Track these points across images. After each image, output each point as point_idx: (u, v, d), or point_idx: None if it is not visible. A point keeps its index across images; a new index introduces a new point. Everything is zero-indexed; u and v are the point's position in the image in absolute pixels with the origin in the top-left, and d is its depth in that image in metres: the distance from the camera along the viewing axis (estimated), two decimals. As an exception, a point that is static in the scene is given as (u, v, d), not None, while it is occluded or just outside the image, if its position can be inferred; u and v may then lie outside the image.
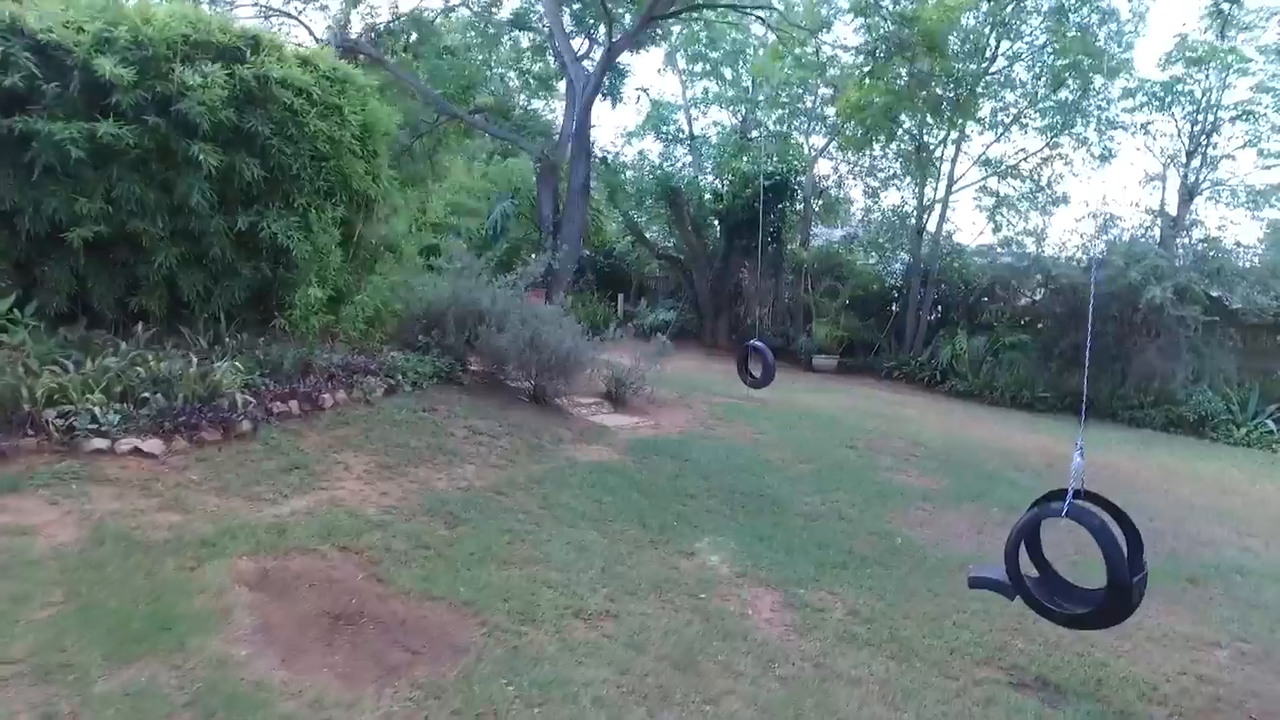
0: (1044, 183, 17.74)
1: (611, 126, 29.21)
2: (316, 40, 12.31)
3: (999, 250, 16.23)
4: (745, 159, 18.72)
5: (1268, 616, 5.15)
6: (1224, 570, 6.02)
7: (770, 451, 8.21)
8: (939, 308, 18.29)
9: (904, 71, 11.40)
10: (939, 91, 11.06)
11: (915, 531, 6.14)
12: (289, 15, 12.08)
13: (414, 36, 15.05)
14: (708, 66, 22.99)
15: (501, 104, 15.36)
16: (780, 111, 21.85)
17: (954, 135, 16.77)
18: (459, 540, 4.92)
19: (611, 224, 22.11)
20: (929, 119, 16.51)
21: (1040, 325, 16.34)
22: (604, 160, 16.90)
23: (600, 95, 15.66)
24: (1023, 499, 7.56)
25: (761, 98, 21.51)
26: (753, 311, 20.27)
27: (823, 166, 21.60)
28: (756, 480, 7.05)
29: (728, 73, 22.99)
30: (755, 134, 22.74)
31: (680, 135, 23.02)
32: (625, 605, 4.25)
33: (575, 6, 14.14)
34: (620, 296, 24.55)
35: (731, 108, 23.19)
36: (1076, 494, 3.89)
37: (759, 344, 11.26)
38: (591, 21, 12.00)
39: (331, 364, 7.40)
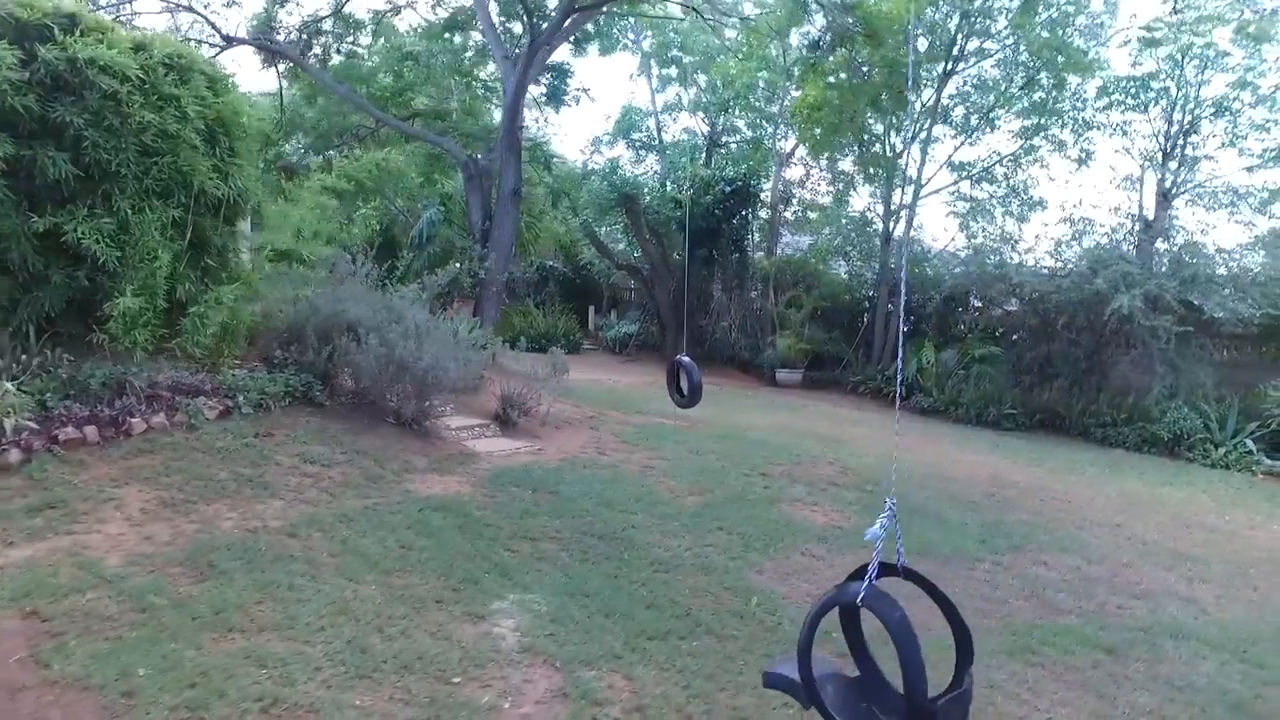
0: (1018, 187, 16.79)
1: (583, 135, 28.76)
2: (225, 38, 11.56)
3: (965, 257, 15.25)
4: (701, 163, 17.89)
5: (1192, 706, 4.17)
6: (1155, 634, 5.05)
7: (661, 482, 7.31)
8: (910, 319, 17.33)
9: (843, 63, 10.48)
10: (876, 81, 10.13)
11: (785, 585, 5.21)
12: (191, 10, 11.34)
13: (351, 38, 14.32)
14: (678, 72, 22.31)
15: (438, 107, 14.58)
16: (752, 116, 21.10)
17: (919, 136, 15.87)
18: (194, 600, 4.06)
19: (575, 233, 21.27)
20: (893, 119, 15.64)
21: (1015, 337, 15.40)
22: (547, 164, 16.05)
23: (541, 99, 14.91)
24: (942, 538, 6.67)
25: (730, 102, 20.68)
26: (716, 323, 19.39)
27: (796, 172, 20.77)
28: (622, 518, 6.14)
29: (701, 79, 22.21)
30: (726, 140, 22.01)
31: (651, 142, 22.30)
32: (341, 695, 3.37)
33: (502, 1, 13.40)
34: (591, 309, 23.75)
35: (702, 113, 22.43)
36: (886, 570, 2.96)
37: (685, 359, 10.40)
38: (529, 18, 11.25)
39: (155, 384, 6.58)
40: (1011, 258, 15.35)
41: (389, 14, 15.19)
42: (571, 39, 14.12)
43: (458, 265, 12.67)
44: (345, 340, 7.29)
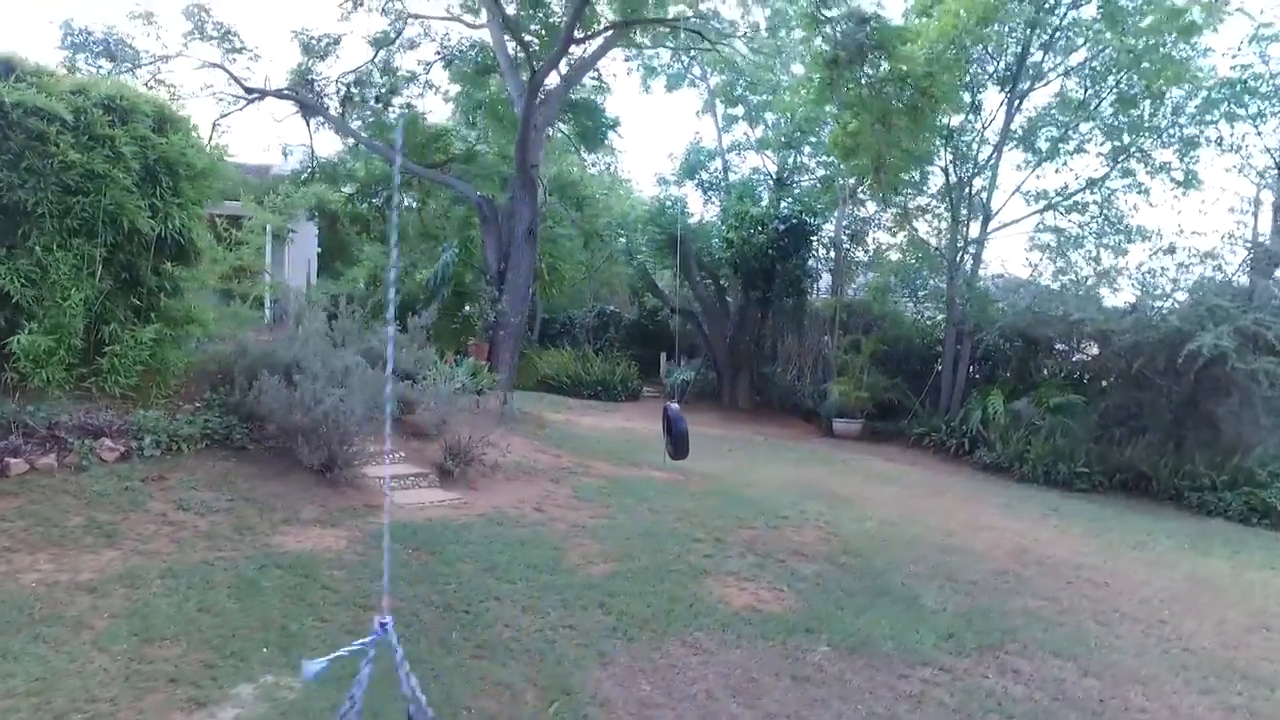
0: (1111, 216, 14.82)
1: (648, 175, 28.36)
2: (248, 91, 12.02)
3: (1024, 293, 13.44)
4: (750, 201, 16.98)
5: None
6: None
7: (579, 546, 6.42)
8: (985, 363, 15.54)
9: (863, 81, 9.42)
10: (895, 104, 9.01)
11: (621, 689, 4.20)
12: (219, 66, 11.87)
13: (387, 89, 14.64)
14: (745, 110, 21.64)
15: (470, 152, 14.58)
16: (821, 152, 20.04)
17: (988, 162, 14.34)
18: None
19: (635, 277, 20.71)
20: (955, 146, 14.23)
21: (1105, 384, 13.39)
22: (578, 204, 15.67)
23: (561, 135, 14.60)
24: (893, 629, 5.35)
25: (795, 138, 19.73)
26: (776, 369, 18.20)
27: (870, 208, 19.44)
28: (492, 587, 5.32)
29: (770, 116, 21.43)
30: (795, 179, 21.01)
31: (718, 182, 21.67)
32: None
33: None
34: (663, 355, 23.05)
35: (770, 151, 21.58)
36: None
37: (673, 407, 9.58)
38: (525, 51, 10.99)
39: (55, 423, 6.44)
40: (1103, 294, 13.46)
41: (435, 62, 15.42)
42: (593, 75, 13.76)
43: (466, 308, 12.41)
44: (262, 382, 6.92)
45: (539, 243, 15.15)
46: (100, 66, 11.02)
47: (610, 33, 12.16)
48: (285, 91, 12.55)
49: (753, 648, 4.80)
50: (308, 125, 13.68)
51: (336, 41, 13.75)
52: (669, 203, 18.17)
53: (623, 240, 18.71)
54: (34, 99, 6.53)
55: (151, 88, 11.85)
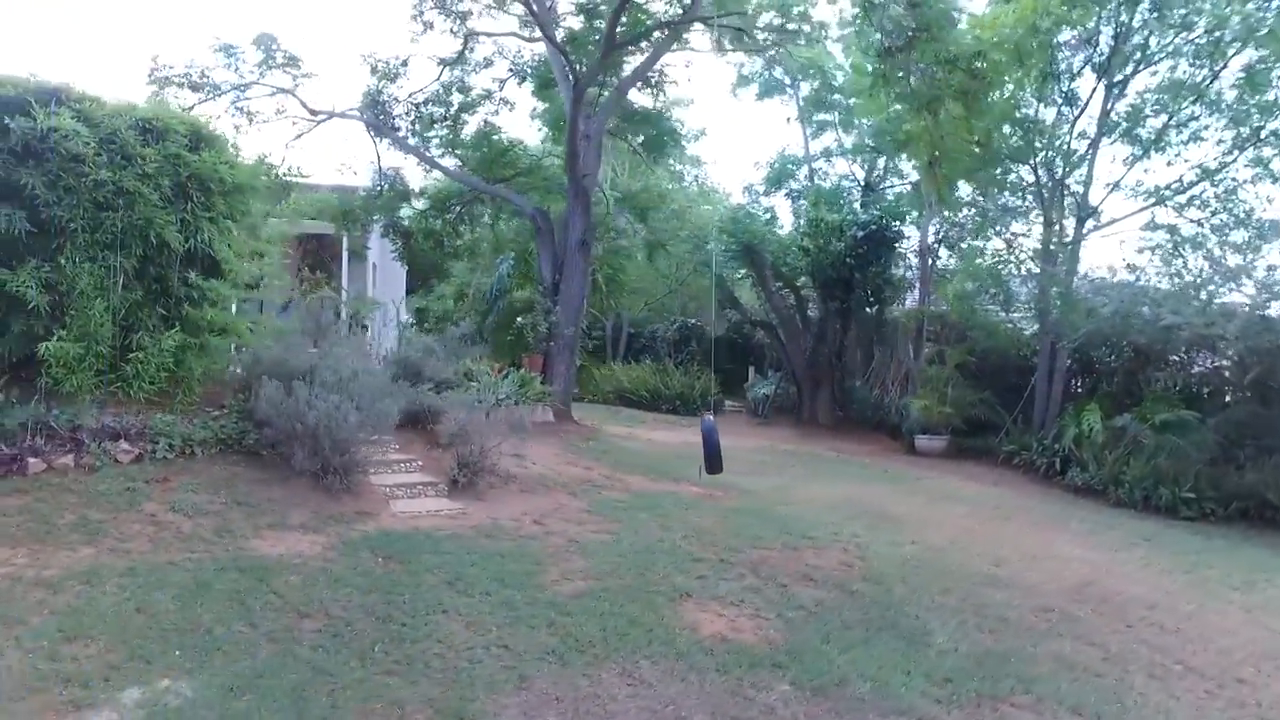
0: (1237, 210, 13.07)
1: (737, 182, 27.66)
2: (312, 114, 12.60)
3: (1113, 296, 11.95)
4: (830, 208, 16.18)
5: None
6: None
7: (564, 562, 6.07)
8: (1087, 376, 14.05)
9: (913, 69, 8.68)
10: (944, 89, 8.19)
11: None
12: (287, 92, 12.49)
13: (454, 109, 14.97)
14: (840, 115, 20.83)
15: (534, 164, 14.65)
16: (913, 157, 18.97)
17: (1084, 157, 12.99)
18: None
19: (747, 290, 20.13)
20: (1042, 139, 12.98)
21: (1229, 399, 11.77)
22: (642, 215, 15.39)
23: (614, 146, 14.40)
24: (880, 667, 4.64)
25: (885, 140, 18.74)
26: (856, 383, 17.23)
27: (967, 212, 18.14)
28: (446, 600, 5.06)
29: (865, 122, 20.55)
30: (886, 185, 20.01)
31: (807, 190, 20.95)
32: None
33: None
34: (751, 368, 22.43)
35: (861, 158, 20.66)
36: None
37: (706, 420, 9.08)
38: (566, 59, 10.86)
39: (78, 426, 6.78)
40: (1228, 297, 11.84)
41: (509, 79, 15.63)
42: (668, 82, 13.48)
43: (518, 320, 12.38)
44: (261, 388, 7.04)
45: (596, 254, 15.06)
46: (178, 98, 11.82)
47: (660, 37, 11.90)
48: (349, 112, 13.06)
49: (700, 682, 4.30)
50: (375, 144, 14.14)
51: (405, 63, 14.18)
52: (742, 211, 17.60)
53: (704, 249, 18.25)
54: (67, 123, 6.96)
55: (233, 115, 12.63)
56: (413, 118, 14.71)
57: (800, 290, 17.92)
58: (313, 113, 12.57)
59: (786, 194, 21.54)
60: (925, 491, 10.70)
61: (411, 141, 13.89)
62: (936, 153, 9.10)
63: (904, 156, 18.51)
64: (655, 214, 15.56)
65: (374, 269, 20.07)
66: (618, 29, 10.53)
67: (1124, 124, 13.30)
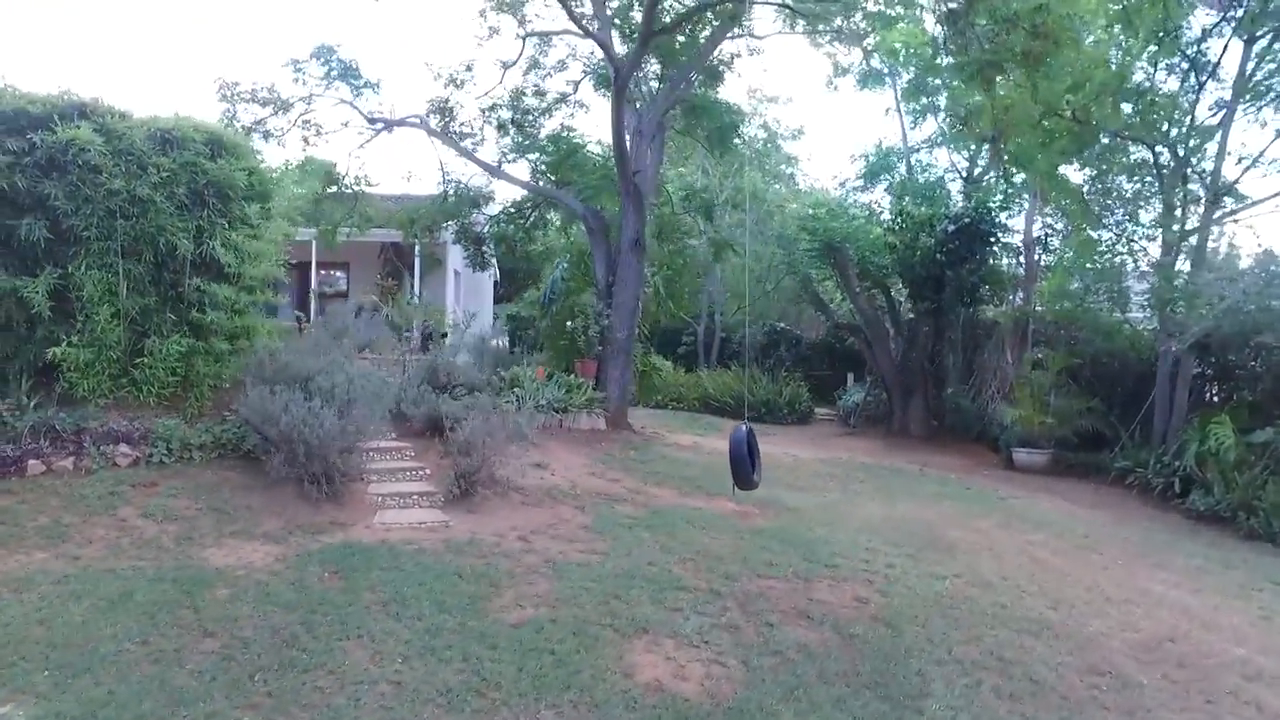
0: None
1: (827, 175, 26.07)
2: (371, 122, 12.76)
3: (1243, 285, 10.00)
4: (917, 200, 14.83)
5: None
6: None
7: (521, 586, 5.51)
8: (1224, 383, 12.07)
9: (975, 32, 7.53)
10: (1006, 50, 6.99)
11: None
12: (349, 104, 12.71)
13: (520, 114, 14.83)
14: (946, 102, 19.30)
15: (600, 165, 14.23)
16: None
17: (1214, 131, 11.12)
18: None
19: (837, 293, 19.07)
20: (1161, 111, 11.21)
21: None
22: (707, 213, 14.61)
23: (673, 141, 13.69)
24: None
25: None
26: (953, 391, 15.69)
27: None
28: (364, 625, 4.63)
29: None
30: (991, 175, 18.30)
31: (906, 184, 19.56)
32: None
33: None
34: (850, 375, 21.17)
35: (960, 146, 18.99)
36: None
37: (742, 429, 8.27)
38: (605, 52, 10.31)
39: (83, 430, 6.93)
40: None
41: (583, 80, 15.35)
42: (704, 76, 12.76)
43: (569, 324, 11.97)
44: (247, 393, 6.94)
45: (660, 255, 14.45)
46: (248, 114, 12.27)
47: (712, 23, 11.19)
48: (410, 119, 13.14)
49: (602, 740, 3.64)
50: (439, 151, 14.18)
51: (469, 68, 14.17)
52: (823, 208, 16.47)
53: (792, 249, 17.26)
54: (85, 135, 7.16)
55: (301, 128, 12.99)
56: (480, 123, 14.69)
57: (890, 290, 16.60)
58: (371, 121, 12.71)
59: (887, 189, 20.17)
60: (1004, 513, 9.38)
61: (468, 145, 13.82)
62: (1002, 124, 7.84)
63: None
64: (719, 212, 14.72)
65: (455, 276, 20.40)
66: (657, 11, 9.91)
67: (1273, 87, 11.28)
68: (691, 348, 23.41)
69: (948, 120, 18.40)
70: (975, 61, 7.19)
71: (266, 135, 13.00)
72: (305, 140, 13.27)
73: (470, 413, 8.21)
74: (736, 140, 14.45)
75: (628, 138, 12.10)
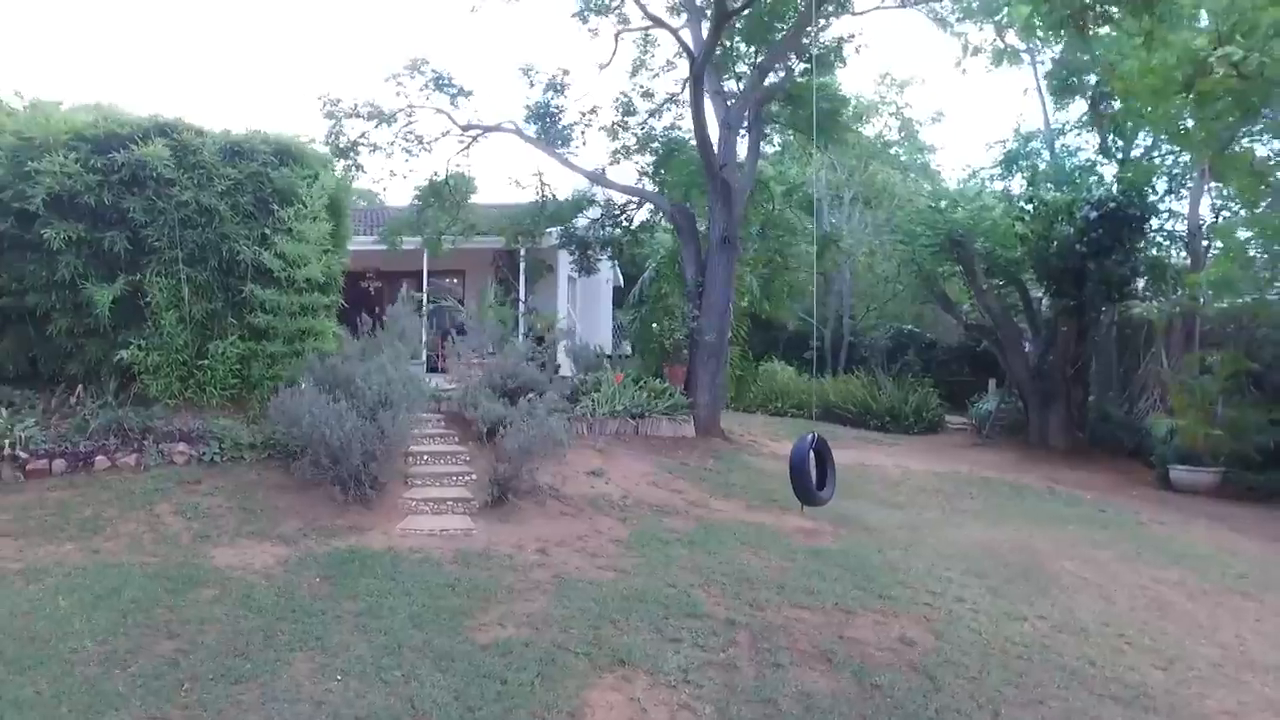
0: None
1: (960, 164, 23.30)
2: (463, 129, 12.92)
3: None
4: (1054, 184, 13.12)
5: None
6: None
7: (512, 603, 5.09)
8: None
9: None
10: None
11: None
12: (442, 112, 12.95)
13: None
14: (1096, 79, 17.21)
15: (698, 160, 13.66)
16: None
17: None
18: None
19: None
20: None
21: None
22: (808, 207, 13.59)
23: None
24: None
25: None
26: (1102, 398, 13.77)
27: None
28: (328, 637, 4.37)
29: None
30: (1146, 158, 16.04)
31: (1052, 172, 17.62)
32: None
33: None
34: (992, 381, 19.36)
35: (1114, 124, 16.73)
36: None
37: (802, 442, 7.45)
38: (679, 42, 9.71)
39: (149, 429, 7.29)
40: None
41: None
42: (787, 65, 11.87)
43: (655, 326, 11.50)
44: (282, 397, 6.99)
45: (760, 254, 13.68)
46: (352, 129, 12.83)
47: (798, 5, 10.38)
48: (505, 125, 13.20)
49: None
50: (535, 154, 14.16)
51: (566, 72, 14.10)
52: (943, 198, 14.99)
53: (912, 244, 15.90)
54: (159, 152, 7.57)
55: (403, 139, 13.42)
56: (582, 127, 14.58)
57: (1025, 286, 14.84)
58: (465, 129, 12.89)
59: (1028, 177, 18.20)
60: (1137, 541, 7.92)
61: (571, 149, 13.73)
62: (1105, 88, 6.53)
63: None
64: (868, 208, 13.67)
65: (570, 282, 20.45)
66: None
67: None
68: (820, 353, 22.27)
69: (1098, 93, 16.26)
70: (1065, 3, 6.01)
71: (374, 148, 13.55)
72: (408, 151, 13.70)
73: (523, 418, 7.96)
74: (849, 129, 13.43)
75: (716, 130, 11.52)
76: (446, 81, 12.71)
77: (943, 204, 14.36)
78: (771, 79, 12.55)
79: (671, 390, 11.43)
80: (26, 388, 7.93)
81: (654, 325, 11.90)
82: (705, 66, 10.33)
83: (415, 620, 4.66)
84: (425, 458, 8.20)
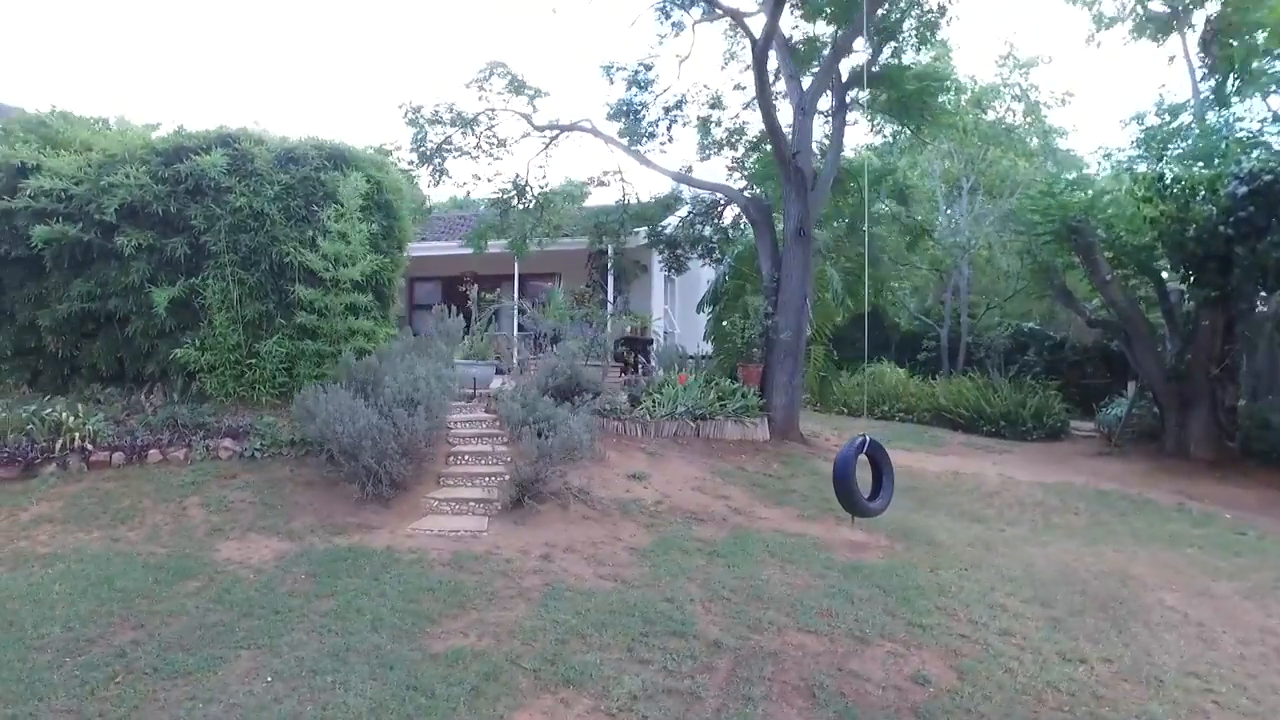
0: None
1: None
2: (535, 128, 12.87)
3: None
4: (1194, 159, 11.44)
5: None
6: None
7: (487, 611, 4.78)
8: None
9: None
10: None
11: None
12: (521, 115, 12.97)
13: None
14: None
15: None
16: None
17: None
18: None
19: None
20: None
21: None
22: (900, 196, 12.51)
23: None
24: None
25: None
26: (1253, 402, 11.89)
27: None
28: (277, 636, 4.24)
29: None
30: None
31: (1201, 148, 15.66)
32: None
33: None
34: (1131, 384, 17.39)
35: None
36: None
37: (848, 446, 6.77)
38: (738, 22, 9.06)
39: (200, 424, 7.62)
40: None
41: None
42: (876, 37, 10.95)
43: (724, 324, 10.93)
44: (305, 395, 7.07)
45: (842, 246, 12.78)
46: (434, 135, 13.11)
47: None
48: (581, 124, 13.05)
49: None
50: (613, 153, 13.94)
51: (649, 67, 13.83)
52: (1059, 182, 13.43)
53: (1029, 233, 14.42)
54: (216, 160, 7.93)
55: (485, 143, 13.60)
56: (666, 123, 14.26)
57: (1160, 275, 13.07)
58: (540, 129, 12.88)
59: (1157, 151, 16.13)
60: (1277, 572, 6.60)
61: (655, 146, 13.46)
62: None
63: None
64: (990, 199, 12.57)
65: (668, 283, 20.12)
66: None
67: None
68: (933, 353, 20.80)
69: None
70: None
71: (459, 152, 13.79)
72: (490, 155, 13.85)
73: (545, 420, 7.73)
74: (946, 111, 12.31)
75: (788, 115, 10.86)
76: (523, 84, 12.74)
77: (1058, 187, 12.86)
78: (859, 60, 11.74)
79: (745, 391, 10.85)
80: (116, 386, 8.54)
81: (724, 323, 11.32)
82: (767, 49, 9.70)
83: (377, 624, 4.47)
84: (466, 457, 8.11)
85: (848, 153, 18.24)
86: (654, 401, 10.15)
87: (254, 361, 7.94)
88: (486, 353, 11.44)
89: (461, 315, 10.16)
